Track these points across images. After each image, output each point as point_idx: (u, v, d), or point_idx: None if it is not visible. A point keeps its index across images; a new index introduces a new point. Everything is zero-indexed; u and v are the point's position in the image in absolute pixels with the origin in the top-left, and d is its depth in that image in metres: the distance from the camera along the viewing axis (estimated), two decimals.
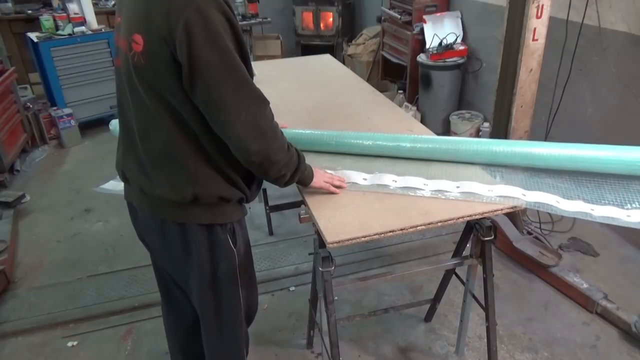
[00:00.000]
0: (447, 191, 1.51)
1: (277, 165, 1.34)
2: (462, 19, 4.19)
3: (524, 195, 1.49)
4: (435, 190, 1.52)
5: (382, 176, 1.59)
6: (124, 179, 1.44)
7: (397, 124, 2.04)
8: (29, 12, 5.17)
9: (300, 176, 1.45)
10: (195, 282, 1.47)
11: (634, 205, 1.44)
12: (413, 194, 1.51)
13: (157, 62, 1.17)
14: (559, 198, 1.49)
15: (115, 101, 1.41)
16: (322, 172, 1.56)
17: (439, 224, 1.40)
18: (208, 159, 1.30)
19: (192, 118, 1.24)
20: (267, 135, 1.27)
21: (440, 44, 4.03)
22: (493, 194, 1.49)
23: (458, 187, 1.53)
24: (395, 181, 1.56)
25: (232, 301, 1.51)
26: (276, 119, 1.34)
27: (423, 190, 1.53)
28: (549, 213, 2.91)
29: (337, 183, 1.55)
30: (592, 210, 1.45)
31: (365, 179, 1.58)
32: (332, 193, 1.53)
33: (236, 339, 1.59)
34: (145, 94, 1.23)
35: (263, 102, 1.27)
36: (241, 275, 1.49)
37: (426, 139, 1.74)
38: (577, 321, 2.31)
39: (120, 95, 1.36)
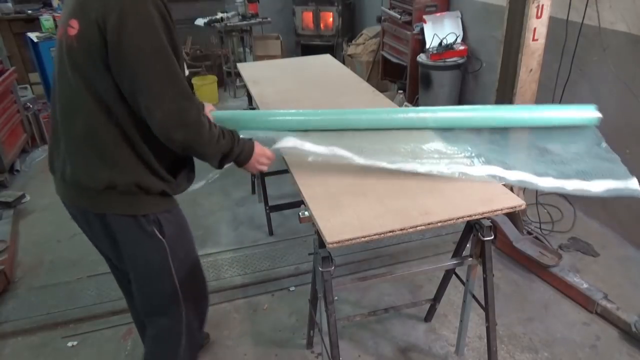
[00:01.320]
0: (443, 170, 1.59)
1: (201, 154, 1.39)
2: (462, 19, 4.19)
3: (506, 173, 1.57)
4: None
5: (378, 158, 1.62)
6: (52, 169, 1.45)
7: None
8: (29, 12, 5.17)
9: (232, 159, 1.48)
10: (131, 273, 1.48)
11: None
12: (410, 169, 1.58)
13: (89, 44, 1.22)
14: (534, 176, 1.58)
15: None
16: (259, 154, 1.57)
17: (439, 224, 1.41)
18: (131, 145, 1.32)
19: (116, 104, 1.27)
20: (190, 128, 1.30)
21: (440, 44, 4.03)
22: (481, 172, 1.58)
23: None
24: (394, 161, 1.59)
25: (168, 292, 1.51)
26: None
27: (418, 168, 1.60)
28: (549, 213, 2.92)
29: (266, 165, 1.61)
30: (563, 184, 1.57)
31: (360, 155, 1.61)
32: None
33: (173, 333, 1.58)
34: (73, 77, 1.27)
35: (189, 98, 1.30)
36: (176, 265, 1.48)
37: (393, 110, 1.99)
38: (577, 321, 2.31)
39: (53, 85, 1.39)
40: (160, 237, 1.43)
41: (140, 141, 1.33)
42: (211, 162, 1.45)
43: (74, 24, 1.24)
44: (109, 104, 1.27)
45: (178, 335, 1.61)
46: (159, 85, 1.23)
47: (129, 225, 1.38)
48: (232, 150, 1.46)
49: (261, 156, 1.59)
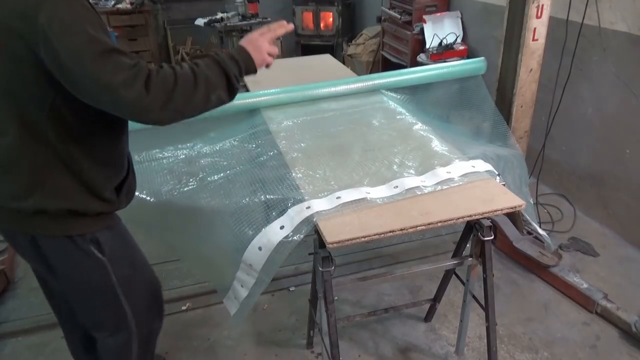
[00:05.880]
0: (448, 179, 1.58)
1: (201, 106, 1.22)
2: (462, 19, 4.19)
3: (474, 167, 1.65)
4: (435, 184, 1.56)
5: (382, 188, 1.58)
6: None
7: (397, 122, 2.04)
8: None
9: (239, 75, 1.28)
10: (70, 297, 1.39)
11: None
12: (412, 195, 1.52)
13: (13, 60, 1.12)
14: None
15: None
16: (256, 40, 1.34)
17: (439, 224, 1.41)
18: (65, 167, 1.21)
19: (47, 121, 1.17)
20: (160, 100, 1.14)
21: (440, 44, 4.03)
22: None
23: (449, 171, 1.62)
24: (397, 187, 1.56)
25: (113, 310, 1.42)
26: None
27: (423, 189, 1.53)
28: (549, 213, 2.91)
29: (280, 31, 1.40)
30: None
31: (368, 192, 1.55)
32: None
33: (123, 349, 1.51)
34: None
35: (140, 70, 1.12)
36: (121, 282, 1.39)
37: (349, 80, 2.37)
38: (577, 321, 2.31)
39: None
40: (100, 255, 1.32)
41: (82, 161, 1.22)
42: (222, 95, 1.24)
43: None
44: (37, 122, 1.17)
45: (128, 352, 1.53)
46: (108, 76, 1.08)
47: (63, 245, 1.28)
48: (228, 71, 1.23)
49: (256, 40, 1.33)
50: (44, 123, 1.17)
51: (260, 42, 1.35)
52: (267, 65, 1.37)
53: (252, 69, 1.32)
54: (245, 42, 1.35)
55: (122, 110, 1.15)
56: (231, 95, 1.28)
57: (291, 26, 1.46)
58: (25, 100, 1.16)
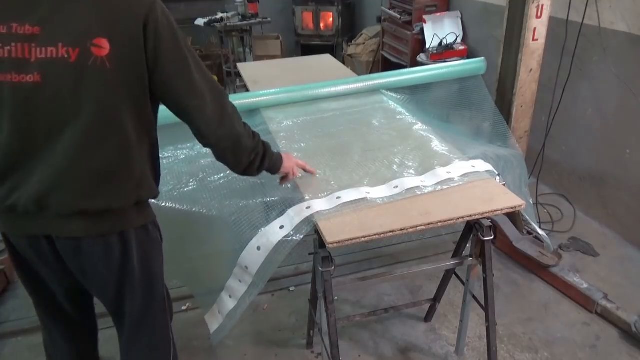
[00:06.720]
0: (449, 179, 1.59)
1: (247, 150, 1.39)
2: (462, 19, 4.19)
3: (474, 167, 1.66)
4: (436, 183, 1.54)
5: (382, 188, 1.58)
6: (38, 207, 1.19)
7: (397, 122, 2.04)
8: None
9: (270, 161, 1.48)
10: (130, 291, 1.37)
11: None
12: (412, 195, 1.52)
13: (130, 63, 1.16)
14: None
15: None
16: (294, 158, 1.63)
17: (439, 224, 1.41)
18: (151, 160, 1.31)
19: (152, 121, 1.27)
20: (234, 118, 1.35)
21: (440, 44, 4.03)
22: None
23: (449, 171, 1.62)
24: (397, 187, 1.56)
25: (160, 300, 1.45)
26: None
27: (423, 189, 1.53)
28: (549, 213, 2.91)
29: (309, 169, 1.65)
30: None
31: (368, 192, 1.55)
32: (309, 172, 1.65)
33: (168, 341, 1.53)
34: (106, 101, 1.16)
35: (223, 89, 1.36)
36: (163, 270, 1.47)
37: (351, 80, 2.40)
38: (577, 321, 2.31)
39: (26, 115, 1.14)
40: (161, 241, 1.41)
41: (157, 153, 1.34)
42: (251, 161, 1.42)
43: (102, 43, 1.12)
44: (145, 122, 1.24)
45: (170, 347, 1.54)
46: (202, 83, 1.26)
47: (142, 235, 1.33)
48: (266, 147, 1.48)
49: (294, 159, 1.62)
50: (150, 120, 1.26)
51: (296, 161, 1.62)
52: (288, 178, 1.62)
53: (276, 168, 1.54)
54: (285, 153, 1.59)
55: (199, 121, 1.30)
56: (259, 166, 1.47)
57: (314, 171, 1.69)
58: (140, 100, 1.21)
